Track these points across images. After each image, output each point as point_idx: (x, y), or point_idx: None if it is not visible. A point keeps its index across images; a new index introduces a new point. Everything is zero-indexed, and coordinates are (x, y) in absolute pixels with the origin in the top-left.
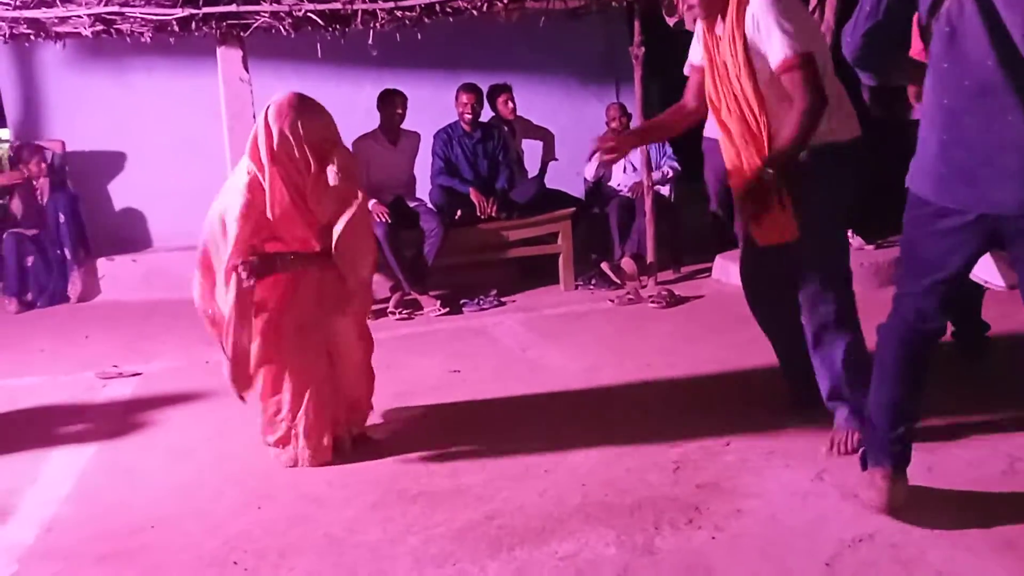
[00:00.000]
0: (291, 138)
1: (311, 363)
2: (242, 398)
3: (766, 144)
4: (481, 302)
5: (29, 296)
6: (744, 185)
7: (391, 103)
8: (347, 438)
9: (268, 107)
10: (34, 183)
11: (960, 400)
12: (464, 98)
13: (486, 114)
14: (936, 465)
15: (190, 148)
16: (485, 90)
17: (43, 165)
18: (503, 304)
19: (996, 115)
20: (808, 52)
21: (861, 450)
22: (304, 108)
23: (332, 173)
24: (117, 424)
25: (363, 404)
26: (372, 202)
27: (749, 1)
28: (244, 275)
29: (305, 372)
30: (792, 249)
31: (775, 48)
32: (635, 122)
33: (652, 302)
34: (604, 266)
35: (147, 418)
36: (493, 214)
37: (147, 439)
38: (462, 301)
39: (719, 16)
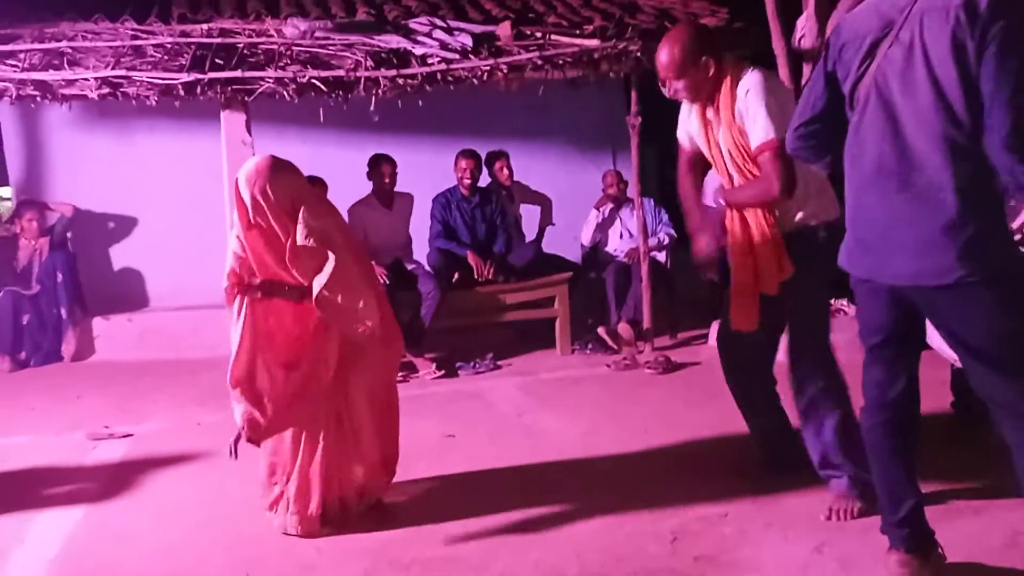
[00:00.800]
0: (262, 202)
1: (311, 425)
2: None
3: (768, 211)
4: (477, 365)
5: (23, 355)
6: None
7: (379, 169)
8: (355, 505)
9: (239, 174)
10: (24, 240)
11: (961, 471)
12: (463, 163)
13: (484, 179)
14: (937, 537)
15: (191, 209)
16: (484, 156)
17: (34, 223)
18: (499, 368)
19: (890, 194)
20: (784, 140)
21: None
22: (272, 170)
23: (300, 232)
24: (106, 486)
25: (379, 470)
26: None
27: (739, 85)
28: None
29: (304, 434)
30: (769, 325)
31: (757, 130)
32: (631, 189)
33: (648, 368)
34: (601, 331)
35: (137, 480)
36: (490, 277)
37: (136, 501)
38: (458, 364)
39: (709, 100)
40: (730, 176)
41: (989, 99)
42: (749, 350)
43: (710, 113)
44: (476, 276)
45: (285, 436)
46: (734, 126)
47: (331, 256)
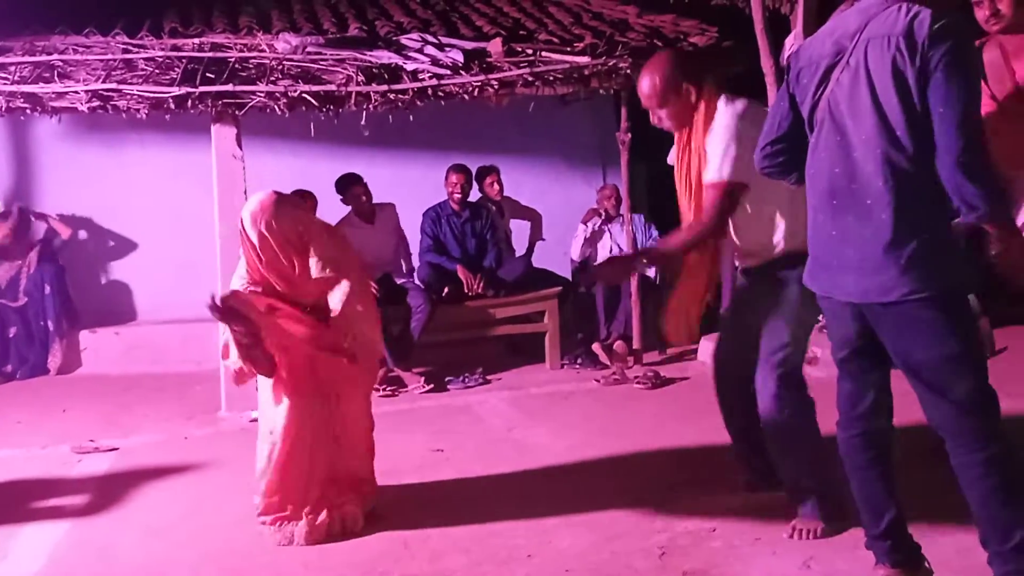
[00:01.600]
0: (269, 237)
1: (314, 441)
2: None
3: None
4: (466, 380)
5: (9, 367)
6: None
7: (351, 191)
8: (356, 519)
9: (243, 212)
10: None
11: (948, 486)
12: (453, 178)
13: (475, 194)
14: (924, 552)
15: (180, 223)
16: (474, 171)
17: (8, 231)
18: (488, 382)
19: (839, 214)
20: (735, 183)
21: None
22: (275, 206)
23: (315, 266)
24: (91, 500)
25: (371, 482)
26: None
27: (715, 117)
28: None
29: (306, 451)
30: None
31: (712, 164)
32: (621, 205)
33: (638, 383)
34: (596, 347)
35: (122, 494)
36: (481, 291)
37: (122, 516)
38: (447, 378)
39: (688, 126)
40: (698, 200)
41: (939, 122)
42: (741, 367)
43: (684, 136)
44: (466, 290)
45: (285, 452)
46: (703, 149)
47: (348, 277)
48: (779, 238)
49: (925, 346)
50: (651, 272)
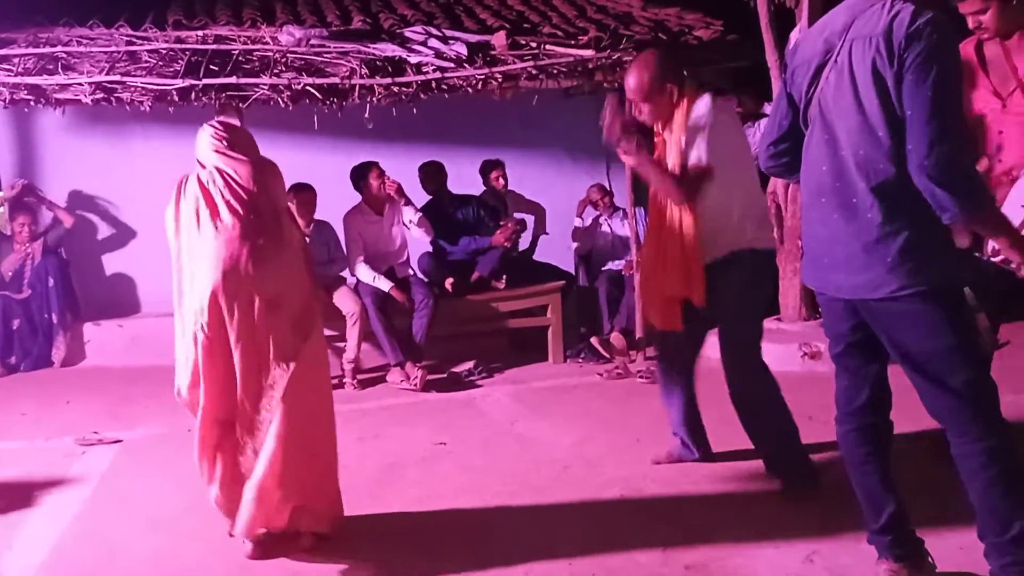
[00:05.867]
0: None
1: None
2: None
3: (687, 242)
4: (469, 373)
5: (13, 359)
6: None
7: (368, 179)
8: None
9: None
10: (16, 243)
11: (950, 482)
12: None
13: (478, 187)
14: (928, 547)
15: None
16: (478, 165)
17: (26, 229)
18: (491, 376)
19: (828, 213)
20: (711, 167)
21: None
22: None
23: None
24: (95, 492)
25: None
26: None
27: (692, 112)
28: None
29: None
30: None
31: (694, 154)
32: (624, 199)
33: (641, 377)
34: (594, 341)
35: (126, 486)
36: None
37: (125, 507)
38: (450, 372)
39: (666, 121)
40: (660, 202)
41: (908, 123)
42: (679, 344)
43: (665, 133)
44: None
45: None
46: (680, 148)
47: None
48: (738, 234)
49: (920, 339)
50: None
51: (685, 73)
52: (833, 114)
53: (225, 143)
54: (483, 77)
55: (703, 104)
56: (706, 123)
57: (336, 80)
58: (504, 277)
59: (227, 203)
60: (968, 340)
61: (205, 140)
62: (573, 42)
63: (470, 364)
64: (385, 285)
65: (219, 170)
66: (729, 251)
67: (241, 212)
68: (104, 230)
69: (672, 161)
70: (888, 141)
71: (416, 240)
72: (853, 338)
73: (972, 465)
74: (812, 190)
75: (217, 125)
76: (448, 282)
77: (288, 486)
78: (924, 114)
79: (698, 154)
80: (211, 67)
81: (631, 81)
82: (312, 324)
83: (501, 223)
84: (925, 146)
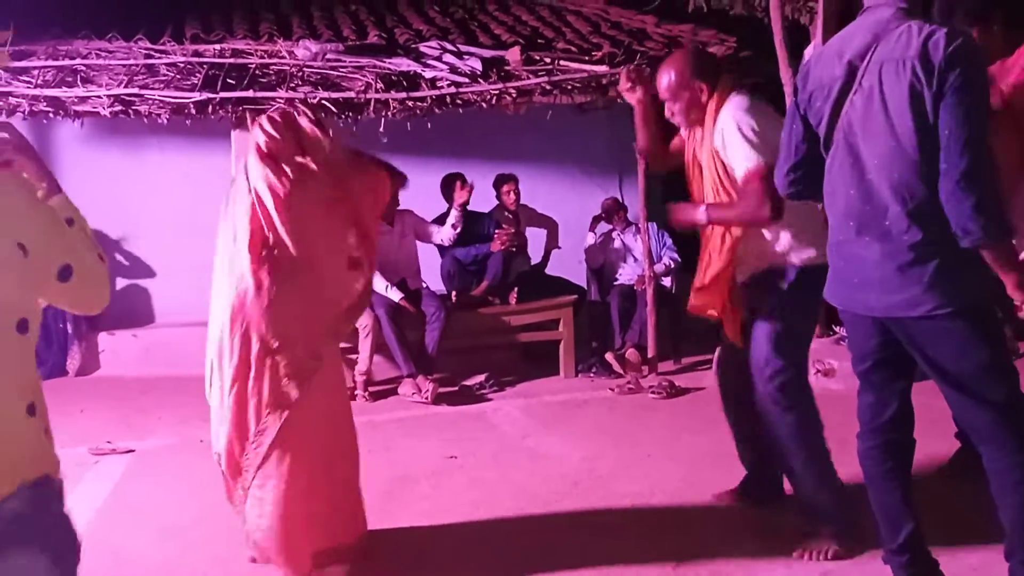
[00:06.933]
0: None
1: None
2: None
3: (728, 247)
4: (481, 387)
5: None
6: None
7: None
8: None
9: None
10: None
11: (966, 502)
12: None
13: (491, 203)
14: (942, 568)
15: (198, 227)
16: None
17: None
18: (503, 389)
19: (859, 235)
20: (770, 164)
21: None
22: None
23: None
24: (107, 501)
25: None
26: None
27: (722, 109)
28: None
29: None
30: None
31: (739, 159)
32: (637, 214)
33: (652, 392)
34: (609, 356)
35: (138, 496)
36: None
37: (136, 517)
38: (461, 384)
39: (697, 121)
40: (703, 196)
41: (946, 142)
42: (741, 373)
43: (697, 132)
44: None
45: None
46: (712, 147)
47: None
48: (772, 248)
49: (957, 357)
50: (667, 281)
51: (718, 73)
52: (859, 138)
53: (268, 144)
54: (497, 92)
55: (732, 104)
56: (739, 125)
57: (352, 94)
58: (516, 290)
59: (249, 226)
60: (1003, 355)
61: (251, 137)
62: (587, 58)
63: (482, 377)
64: (396, 296)
65: (252, 181)
66: (764, 268)
67: (257, 242)
68: (119, 241)
69: (704, 161)
70: (923, 164)
71: (423, 248)
72: (880, 355)
73: (1008, 480)
74: (839, 213)
75: (276, 117)
76: (454, 295)
77: (300, 529)
78: (965, 133)
79: (745, 159)
80: (228, 81)
81: (660, 79)
82: (314, 368)
83: (495, 232)
84: (963, 165)
